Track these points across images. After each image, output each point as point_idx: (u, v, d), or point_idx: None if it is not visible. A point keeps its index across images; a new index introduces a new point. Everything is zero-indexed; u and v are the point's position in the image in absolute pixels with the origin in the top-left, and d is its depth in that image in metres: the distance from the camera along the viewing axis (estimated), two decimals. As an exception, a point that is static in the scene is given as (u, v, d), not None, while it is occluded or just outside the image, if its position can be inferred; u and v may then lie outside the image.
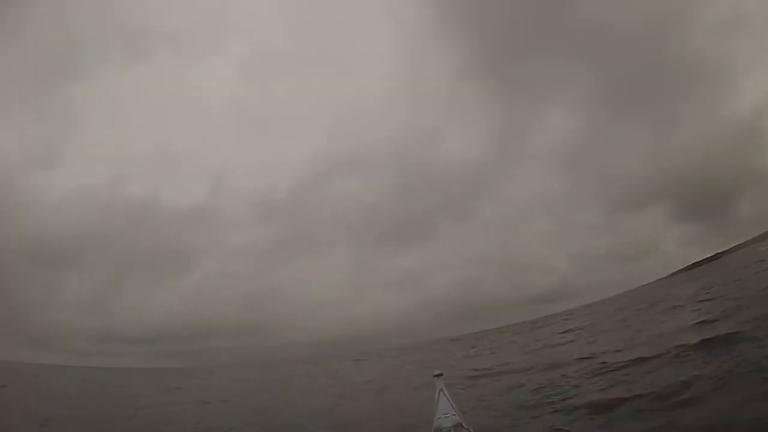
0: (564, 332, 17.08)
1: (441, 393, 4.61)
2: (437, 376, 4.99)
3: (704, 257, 45.97)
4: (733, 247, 44.35)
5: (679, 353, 6.99)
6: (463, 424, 3.76)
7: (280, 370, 27.48)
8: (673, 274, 47.75)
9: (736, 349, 6.04)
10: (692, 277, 27.30)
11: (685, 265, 48.16)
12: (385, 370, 18.79)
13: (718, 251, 45.63)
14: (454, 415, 4.04)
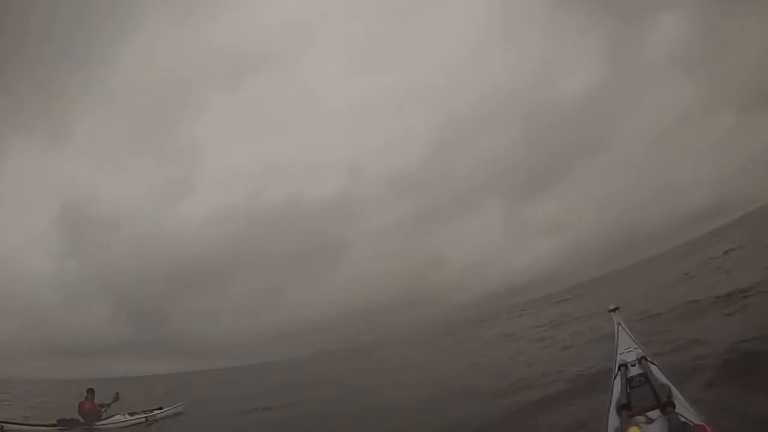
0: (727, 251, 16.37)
1: (620, 327, 4.62)
2: (613, 310, 4.97)
3: None
4: None
5: None
6: (647, 357, 3.68)
7: (457, 334, 27.31)
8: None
9: None
10: None
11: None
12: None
13: None
14: (636, 348, 4.01)
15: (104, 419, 11.97)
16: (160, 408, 13.37)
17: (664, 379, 3.19)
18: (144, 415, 12.84)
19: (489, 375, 10.37)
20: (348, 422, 8.75)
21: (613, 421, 2.75)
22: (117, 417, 12.21)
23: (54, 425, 11.34)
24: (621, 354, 4.02)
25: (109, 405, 12.19)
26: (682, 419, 2.53)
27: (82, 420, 11.65)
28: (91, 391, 12.01)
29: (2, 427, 10.92)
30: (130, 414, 12.56)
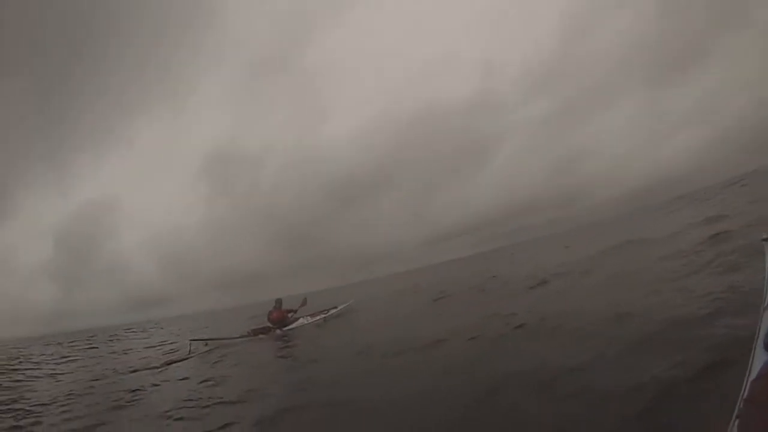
0: None
1: None
2: (766, 239, 4.21)
3: None
4: None
5: None
6: None
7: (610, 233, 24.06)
8: None
9: None
10: None
11: None
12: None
13: None
14: None
15: (291, 324, 12.94)
16: (335, 307, 14.17)
17: None
18: (323, 315, 13.64)
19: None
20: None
21: (761, 354, 2.51)
22: (301, 320, 13.16)
23: (250, 334, 12.45)
24: None
25: (295, 311, 13.45)
26: None
27: (272, 326, 12.72)
28: (279, 301, 13.39)
29: (206, 343, 12.20)
30: (311, 316, 13.40)
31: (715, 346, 3.99)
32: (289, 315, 13.23)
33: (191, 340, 11.85)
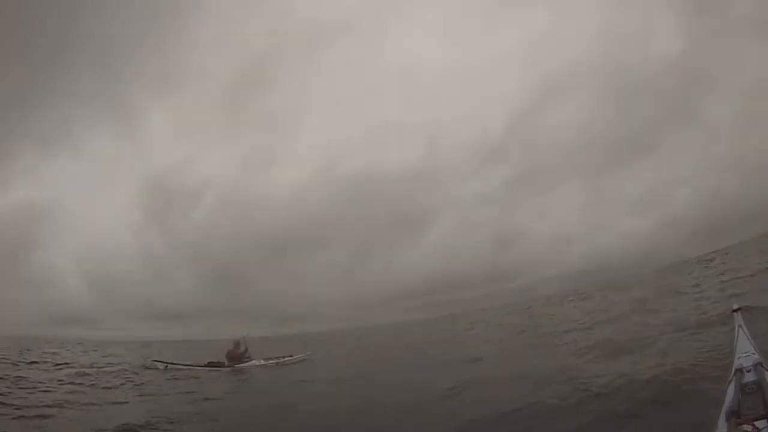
0: None
1: (740, 329, 4.37)
2: (736, 311, 4.64)
3: None
4: None
5: None
6: (763, 364, 3.52)
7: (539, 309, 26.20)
8: None
9: None
10: None
11: None
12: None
13: None
14: (755, 353, 3.80)
15: (245, 363, 14.51)
16: (291, 355, 15.78)
17: None
18: (276, 360, 15.22)
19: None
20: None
21: (721, 427, 2.74)
22: (254, 362, 14.71)
23: (206, 366, 13.92)
24: (738, 358, 3.82)
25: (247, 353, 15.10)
26: None
27: (227, 362, 14.24)
28: (237, 342, 15.14)
29: (167, 366, 13.62)
30: (265, 359, 15.00)
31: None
32: (246, 355, 14.79)
33: (153, 360, 13.16)
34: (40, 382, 10.07)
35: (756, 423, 2.64)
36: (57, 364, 14.51)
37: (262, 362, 15.03)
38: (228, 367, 14.27)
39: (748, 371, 3.44)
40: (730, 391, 3.22)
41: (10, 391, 8.72)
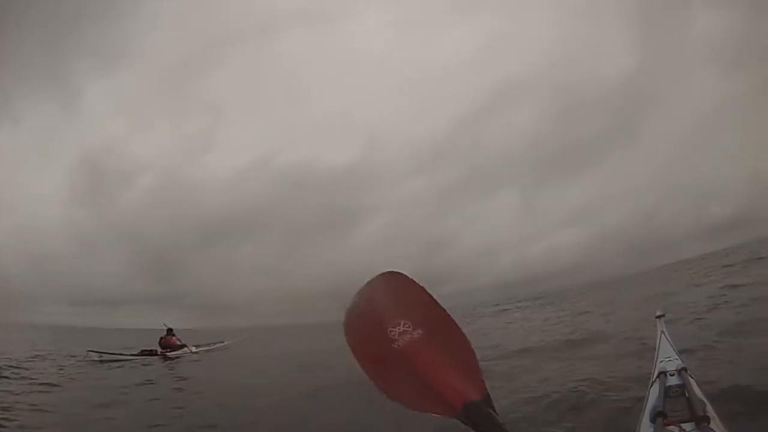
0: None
1: (663, 335, 4.54)
2: (659, 317, 4.81)
3: None
4: None
5: None
6: (686, 369, 3.69)
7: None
8: None
9: None
10: None
11: None
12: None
13: None
14: (677, 358, 3.95)
15: (177, 351, 15.63)
16: (222, 341, 17.00)
17: (701, 394, 3.19)
18: (207, 348, 16.52)
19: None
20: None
21: (647, 427, 2.76)
22: (185, 349, 15.84)
23: (137, 355, 14.92)
24: (661, 362, 4.03)
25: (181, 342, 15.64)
26: None
27: (159, 350, 15.30)
28: (170, 330, 15.54)
29: (88, 353, 13.85)
30: (196, 346, 16.22)
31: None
32: (177, 342, 15.43)
33: (88, 350, 13.99)
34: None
35: (683, 425, 2.70)
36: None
37: (193, 349, 15.53)
38: (163, 353, 14.74)
39: (672, 375, 3.57)
40: (654, 391, 3.28)
41: None
